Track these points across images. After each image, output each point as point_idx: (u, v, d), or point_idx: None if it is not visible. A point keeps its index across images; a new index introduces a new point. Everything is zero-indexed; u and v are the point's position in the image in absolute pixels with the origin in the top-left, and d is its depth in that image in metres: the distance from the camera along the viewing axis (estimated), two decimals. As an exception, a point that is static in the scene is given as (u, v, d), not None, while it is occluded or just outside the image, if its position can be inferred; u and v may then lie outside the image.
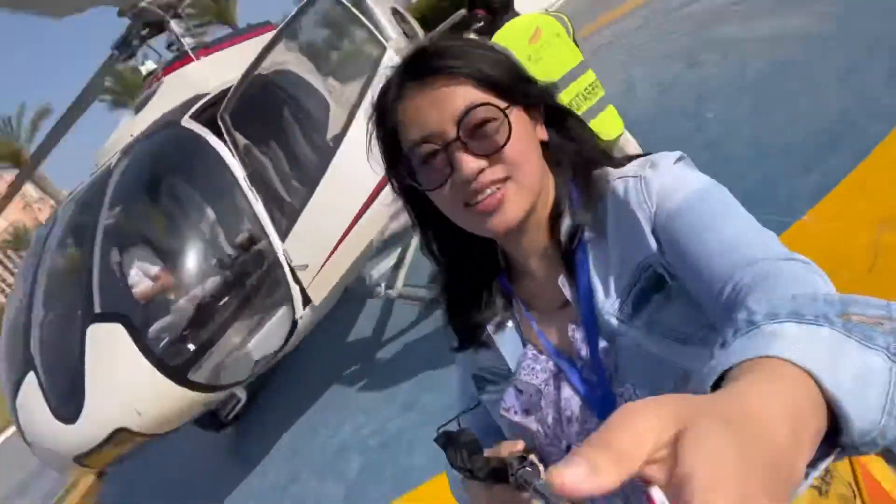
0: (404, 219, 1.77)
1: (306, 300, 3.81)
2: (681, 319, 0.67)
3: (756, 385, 0.34)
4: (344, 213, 3.74)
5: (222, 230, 3.92)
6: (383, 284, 4.20)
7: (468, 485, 0.73)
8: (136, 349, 3.35)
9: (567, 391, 0.75)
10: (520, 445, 0.72)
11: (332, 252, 3.75)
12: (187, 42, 4.96)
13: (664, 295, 0.68)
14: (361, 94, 3.82)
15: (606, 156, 0.80)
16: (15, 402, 3.59)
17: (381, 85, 0.77)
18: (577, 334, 0.74)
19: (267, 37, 4.36)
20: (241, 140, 3.94)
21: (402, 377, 3.97)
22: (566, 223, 0.75)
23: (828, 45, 4.18)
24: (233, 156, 3.88)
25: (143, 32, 5.02)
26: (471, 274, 0.84)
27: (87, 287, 3.58)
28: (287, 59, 4.58)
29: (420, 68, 0.73)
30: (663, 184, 0.69)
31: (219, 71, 4.67)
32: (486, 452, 0.70)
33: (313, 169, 3.97)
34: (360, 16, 3.89)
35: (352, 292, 4.55)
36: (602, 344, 0.72)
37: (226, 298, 3.67)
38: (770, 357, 0.36)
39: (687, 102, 4.71)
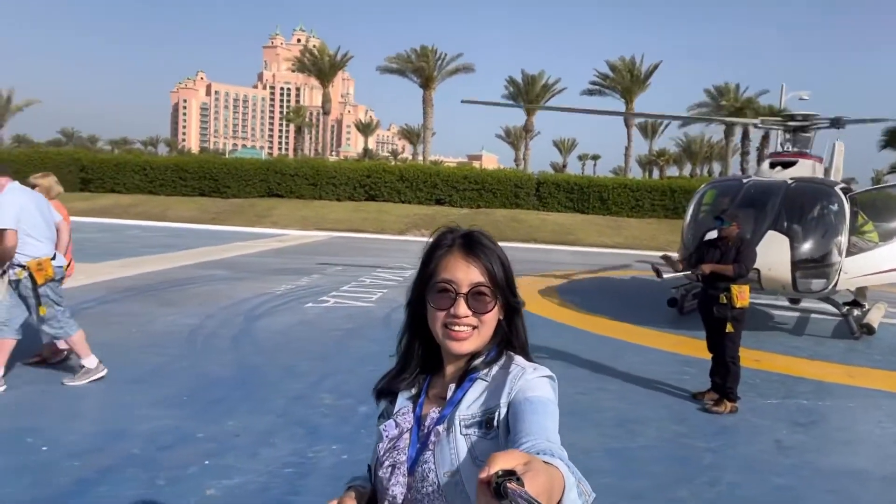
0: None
1: (834, 284, 8.22)
2: (482, 452, 1.17)
3: (550, 466, 0.84)
4: (875, 268, 8.68)
5: (825, 233, 8.39)
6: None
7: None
8: (787, 249, 8.00)
9: (405, 438, 1.27)
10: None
11: (855, 276, 8.52)
12: (800, 149, 10.16)
13: (487, 431, 1.18)
14: None
15: (522, 347, 1.33)
16: (708, 231, 7.63)
17: (442, 232, 1.32)
18: (432, 415, 1.26)
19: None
20: (854, 209, 8.61)
21: None
22: (473, 363, 1.27)
23: None
24: (849, 214, 8.32)
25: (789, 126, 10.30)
26: (414, 366, 1.36)
27: (777, 217, 8.36)
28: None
29: (468, 242, 1.27)
30: (528, 382, 1.19)
31: (808, 172, 9.61)
32: None
33: (871, 241, 8.90)
34: None
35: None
36: (440, 428, 1.22)
37: (814, 259, 8.22)
38: (555, 465, 0.86)
39: None
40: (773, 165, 9.85)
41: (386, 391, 1.38)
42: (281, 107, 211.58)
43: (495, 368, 1.27)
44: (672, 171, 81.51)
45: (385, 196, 28.54)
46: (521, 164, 53.17)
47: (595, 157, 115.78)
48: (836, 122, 9.84)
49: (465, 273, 1.24)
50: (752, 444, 4.90)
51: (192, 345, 6.88)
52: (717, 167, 78.03)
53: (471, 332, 1.24)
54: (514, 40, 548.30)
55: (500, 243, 1.37)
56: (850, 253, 8.29)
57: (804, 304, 11.05)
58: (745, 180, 9.35)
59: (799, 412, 5.70)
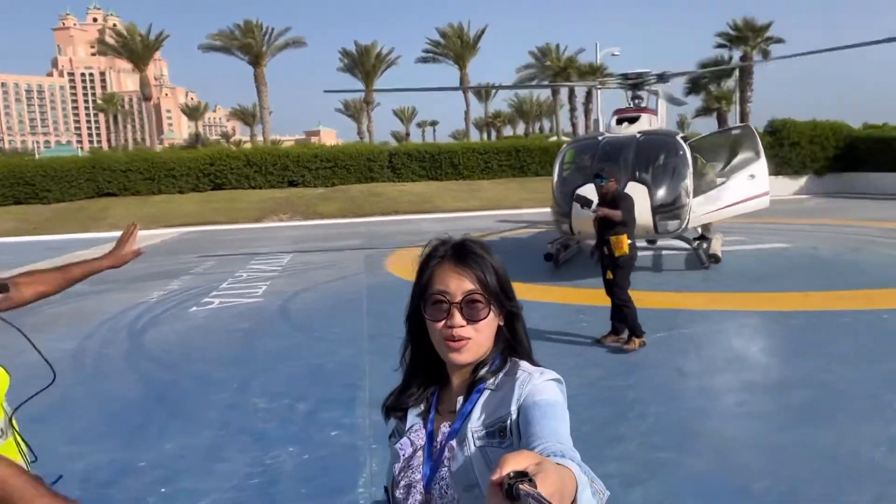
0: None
1: (683, 222, 9.39)
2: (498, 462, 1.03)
3: (562, 467, 0.82)
4: (716, 205, 10.17)
5: (675, 179, 9.51)
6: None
7: None
8: (647, 197, 8.94)
9: (419, 456, 1.26)
10: None
11: (702, 214, 10.01)
12: (638, 104, 11.33)
13: (502, 440, 1.17)
14: (742, 166, 10.89)
15: (526, 352, 1.33)
16: (577, 188, 8.67)
17: (434, 244, 1.32)
18: (444, 430, 1.26)
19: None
20: (694, 155, 9.89)
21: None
22: (480, 373, 1.26)
23: None
24: (689, 159, 9.61)
25: (628, 83, 11.44)
26: (420, 380, 1.35)
27: (634, 168, 9.35)
28: (725, 136, 12.22)
29: (459, 252, 1.27)
30: (536, 386, 1.19)
31: (649, 124, 10.82)
32: None
33: (711, 182, 10.50)
34: (758, 143, 11.04)
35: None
36: (453, 443, 1.21)
37: (669, 203, 9.30)
38: (567, 466, 0.85)
39: None
40: (619, 122, 10.80)
41: (395, 408, 1.36)
42: (85, 95, 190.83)
43: (501, 376, 1.26)
44: (507, 131, 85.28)
45: (233, 183, 27.19)
46: (366, 137, 52.91)
47: (434, 124, 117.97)
48: (662, 77, 10.98)
49: (458, 283, 1.23)
50: (660, 376, 5.53)
51: (82, 370, 6.28)
52: (547, 124, 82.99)
53: (468, 341, 1.22)
54: (344, 11, 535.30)
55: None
56: (696, 194, 9.43)
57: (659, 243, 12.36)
58: (600, 138, 10.18)
59: (684, 341, 6.48)
